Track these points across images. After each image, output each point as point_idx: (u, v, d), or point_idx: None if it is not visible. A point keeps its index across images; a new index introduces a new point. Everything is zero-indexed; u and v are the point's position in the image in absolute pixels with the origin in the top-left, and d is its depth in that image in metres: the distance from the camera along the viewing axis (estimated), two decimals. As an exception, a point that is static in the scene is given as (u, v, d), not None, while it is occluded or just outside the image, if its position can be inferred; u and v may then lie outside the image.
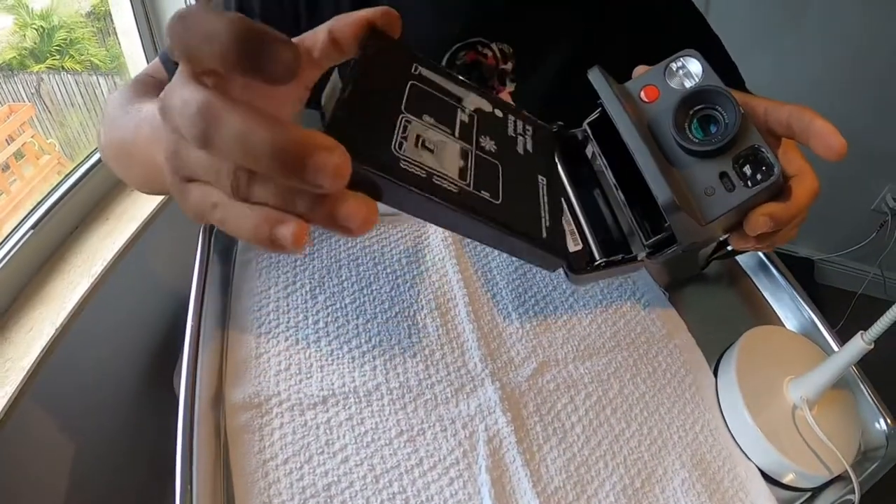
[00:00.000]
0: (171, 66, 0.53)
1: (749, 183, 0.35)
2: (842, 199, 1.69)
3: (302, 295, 0.49)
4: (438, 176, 0.27)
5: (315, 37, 0.27)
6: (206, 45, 0.20)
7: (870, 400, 0.51)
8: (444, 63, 0.57)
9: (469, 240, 0.55)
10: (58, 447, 0.87)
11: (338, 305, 0.49)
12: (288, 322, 0.47)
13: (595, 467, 0.43)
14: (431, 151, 0.28)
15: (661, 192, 0.35)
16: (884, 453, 0.49)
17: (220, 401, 0.43)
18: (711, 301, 0.59)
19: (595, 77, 0.38)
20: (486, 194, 0.29)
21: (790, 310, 0.58)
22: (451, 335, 0.48)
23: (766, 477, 0.46)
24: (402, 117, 0.28)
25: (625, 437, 0.45)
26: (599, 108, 0.40)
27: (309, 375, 0.45)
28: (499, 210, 0.29)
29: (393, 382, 0.44)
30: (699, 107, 0.36)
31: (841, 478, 0.46)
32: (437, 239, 0.54)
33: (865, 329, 0.44)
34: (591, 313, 0.52)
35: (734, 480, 0.45)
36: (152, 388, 1.05)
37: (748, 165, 0.35)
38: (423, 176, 0.26)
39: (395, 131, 0.27)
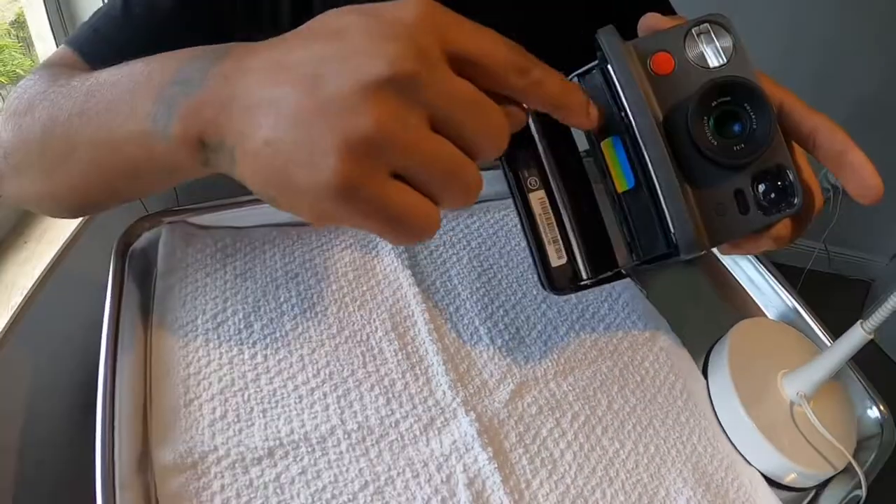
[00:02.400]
0: (88, 53, 0.44)
1: (766, 210, 0.30)
2: None
3: (235, 324, 0.42)
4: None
5: None
6: None
7: (862, 387, 0.48)
8: None
9: (425, 247, 0.49)
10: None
11: (278, 334, 0.42)
12: (220, 359, 0.40)
13: (591, 498, 0.37)
14: None
15: (682, 228, 0.30)
16: (879, 442, 0.46)
17: (148, 462, 0.35)
18: (688, 295, 0.55)
19: (608, 38, 0.31)
20: None
21: (770, 297, 0.54)
22: (413, 360, 0.42)
23: (769, 481, 0.42)
24: None
25: (620, 458, 0.40)
26: (596, 65, 0.33)
27: (250, 423, 0.37)
28: None
29: (350, 424, 0.38)
30: (724, 99, 0.30)
31: (843, 472, 0.43)
32: (386, 248, 0.48)
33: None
34: (567, 320, 0.47)
35: (739, 491, 0.41)
36: (83, 433, 0.94)
37: (767, 186, 0.30)
38: None
39: None
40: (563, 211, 0.35)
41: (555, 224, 0.35)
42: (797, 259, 1.96)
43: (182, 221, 0.46)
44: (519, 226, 0.36)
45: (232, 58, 0.26)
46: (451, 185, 0.24)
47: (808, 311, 0.52)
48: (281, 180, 0.24)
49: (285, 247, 0.47)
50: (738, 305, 0.54)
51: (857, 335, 0.40)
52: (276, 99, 0.23)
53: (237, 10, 0.47)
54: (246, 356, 0.40)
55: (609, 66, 0.31)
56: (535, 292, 0.48)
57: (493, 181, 0.56)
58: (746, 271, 0.56)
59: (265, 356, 0.40)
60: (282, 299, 0.44)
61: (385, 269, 0.47)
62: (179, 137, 0.27)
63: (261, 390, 0.38)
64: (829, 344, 0.49)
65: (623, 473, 0.39)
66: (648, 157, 0.31)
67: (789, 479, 0.42)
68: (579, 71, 0.34)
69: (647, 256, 0.34)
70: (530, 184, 0.36)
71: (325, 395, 0.39)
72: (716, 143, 0.30)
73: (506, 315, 0.46)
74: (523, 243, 0.52)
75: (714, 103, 0.30)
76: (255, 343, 0.41)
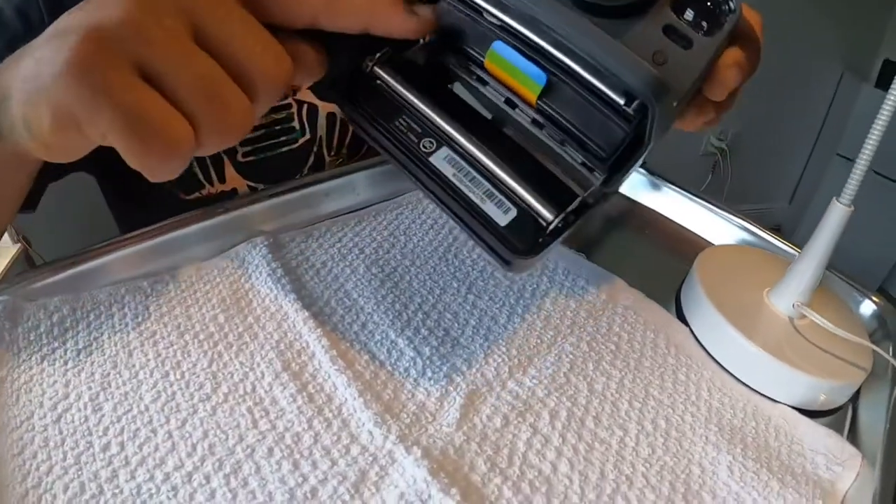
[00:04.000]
0: None
1: (709, 29, 0.24)
2: (672, 153, 1.76)
3: (79, 410, 0.28)
4: None
5: None
6: None
7: (847, 285, 0.42)
8: None
9: (310, 265, 0.38)
10: None
11: (135, 411, 0.28)
12: (65, 460, 0.26)
13: (613, 512, 0.26)
14: None
15: (635, 69, 0.23)
16: (886, 333, 0.40)
17: None
18: (632, 252, 0.47)
19: None
20: None
21: (716, 228, 0.48)
22: (318, 402, 0.29)
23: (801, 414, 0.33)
24: None
25: (629, 448, 0.29)
26: None
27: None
28: None
29: (245, 518, 0.25)
30: None
31: (870, 377, 0.35)
32: (261, 276, 0.36)
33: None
34: (505, 306, 0.37)
35: (779, 434, 0.31)
36: None
37: (694, 11, 0.24)
38: None
39: None
40: (481, 159, 0.27)
41: (480, 178, 0.26)
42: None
43: (7, 297, 0.33)
44: (438, 207, 0.27)
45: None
46: (207, 102, 0.22)
47: (760, 227, 0.46)
48: (35, 84, 0.22)
49: (137, 303, 0.34)
50: (688, 248, 0.46)
51: (837, 213, 0.34)
52: (44, 39, 0.23)
53: None
54: (96, 449, 0.27)
55: None
56: (455, 285, 0.38)
57: (377, 184, 0.47)
58: (683, 210, 0.49)
59: (121, 444, 0.27)
60: (137, 367, 0.30)
61: (263, 301, 0.35)
62: None
63: (120, 491, 0.25)
64: (796, 254, 0.43)
65: (641, 466, 0.28)
66: (551, 25, 0.24)
67: (821, 401, 0.33)
68: None
69: (613, 150, 0.26)
70: (424, 146, 0.27)
71: (206, 478, 0.26)
72: None
73: (427, 318, 0.35)
74: (427, 238, 0.42)
75: None
76: (106, 430, 0.27)
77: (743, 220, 0.46)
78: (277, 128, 0.54)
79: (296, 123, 0.54)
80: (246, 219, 0.40)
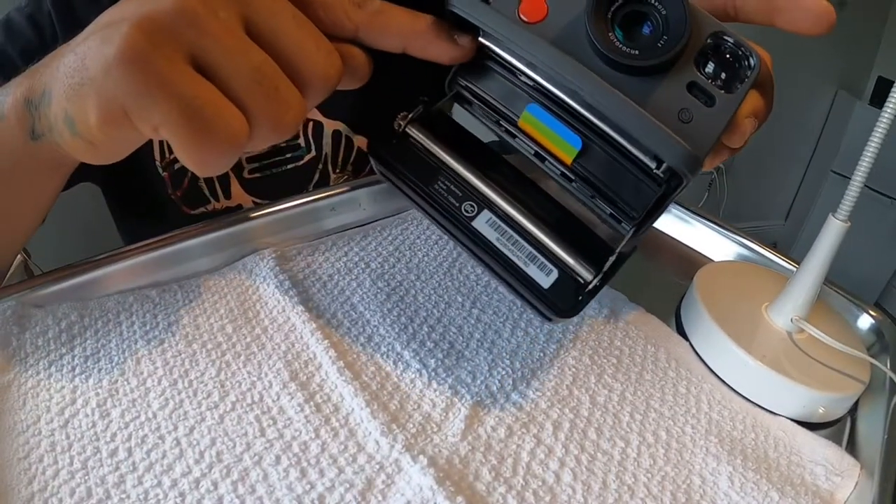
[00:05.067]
0: None
1: (730, 86, 0.25)
2: None
3: (87, 416, 0.29)
4: None
5: None
6: None
7: (844, 299, 0.42)
8: None
9: (317, 278, 0.39)
10: None
11: (143, 418, 0.29)
12: (71, 465, 0.26)
13: (615, 522, 0.27)
14: None
15: (664, 142, 0.24)
16: (883, 346, 0.40)
17: None
18: (631, 267, 0.47)
19: (464, 3, 0.25)
20: None
21: (715, 245, 0.48)
22: (326, 411, 0.30)
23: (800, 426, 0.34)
24: None
25: (631, 459, 0.30)
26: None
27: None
28: None
29: (253, 527, 0.25)
30: (617, 4, 0.24)
31: (867, 390, 0.35)
32: (269, 287, 0.37)
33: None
34: (509, 318, 0.38)
35: (778, 446, 0.32)
36: None
37: (714, 62, 0.25)
38: None
39: None
40: (522, 222, 0.28)
41: (522, 241, 0.28)
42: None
43: (15, 302, 0.33)
44: (483, 269, 0.29)
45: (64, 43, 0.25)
46: (263, 95, 0.21)
47: (757, 243, 0.47)
48: (80, 77, 0.21)
49: (145, 312, 0.35)
50: (687, 264, 0.47)
51: (834, 228, 0.34)
52: (86, 35, 0.23)
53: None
54: (104, 455, 0.27)
55: (482, 38, 0.27)
56: (459, 299, 0.39)
57: (381, 200, 0.47)
58: (682, 228, 0.50)
59: (129, 450, 0.27)
60: (145, 374, 0.31)
61: (271, 312, 0.35)
62: (10, 107, 0.26)
63: (128, 497, 0.25)
64: (794, 269, 0.43)
65: (642, 475, 0.29)
66: (584, 93, 0.25)
67: (820, 413, 0.34)
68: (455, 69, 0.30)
69: (643, 209, 0.27)
70: (466, 211, 0.28)
71: (214, 484, 0.26)
72: (635, 50, 0.24)
73: (432, 331, 0.36)
74: (432, 253, 0.43)
75: (609, 13, 0.24)
76: (114, 436, 0.28)
77: (741, 236, 0.47)
78: (283, 145, 0.55)
79: (301, 141, 0.55)
80: (252, 231, 0.41)
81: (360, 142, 0.57)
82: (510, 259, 0.28)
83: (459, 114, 0.33)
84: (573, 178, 0.28)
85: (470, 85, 0.29)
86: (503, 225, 0.28)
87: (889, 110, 0.30)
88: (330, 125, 0.55)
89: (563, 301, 0.27)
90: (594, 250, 0.29)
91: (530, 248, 0.28)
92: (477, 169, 0.29)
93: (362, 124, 0.56)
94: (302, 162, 0.56)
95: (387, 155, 0.29)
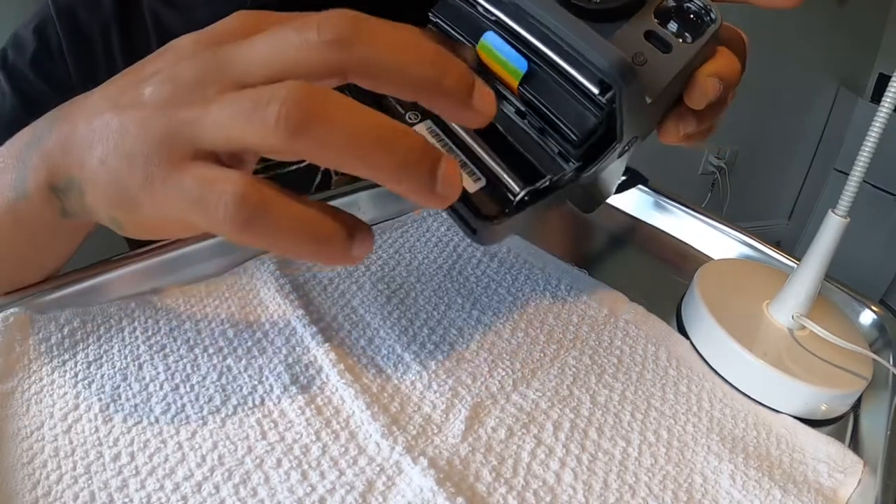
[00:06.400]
0: None
1: (687, 37, 0.26)
2: (671, 172, 1.78)
3: (90, 421, 0.29)
4: None
5: None
6: None
7: (846, 295, 0.42)
8: None
9: (317, 282, 0.39)
10: None
11: (145, 423, 0.29)
12: (74, 469, 0.26)
13: (617, 522, 0.27)
14: None
15: (604, 54, 0.24)
16: (886, 342, 0.40)
17: None
18: (631, 268, 0.47)
19: None
20: None
21: (715, 242, 0.48)
22: (326, 414, 0.30)
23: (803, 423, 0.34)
24: None
25: (632, 458, 0.30)
26: None
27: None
28: None
29: (255, 530, 0.25)
30: None
31: (870, 387, 0.35)
32: (269, 291, 0.37)
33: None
34: (509, 319, 0.38)
35: (780, 443, 0.32)
36: None
37: (675, 19, 0.26)
38: None
39: None
40: (461, 134, 0.29)
41: (455, 149, 0.28)
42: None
43: (18, 309, 0.34)
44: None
45: (75, 103, 0.26)
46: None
47: (758, 241, 0.47)
48: (119, 193, 0.22)
49: (147, 318, 0.35)
50: (688, 263, 0.47)
51: (833, 224, 0.34)
52: (108, 120, 0.23)
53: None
54: (107, 459, 0.27)
55: None
56: (460, 301, 0.39)
57: (381, 204, 0.48)
58: (683, 226, 0.50)
59: (131, 454, 0.27)
60: (147, 379, 0.31)
61: (272, 316, 0.35)
62: (34, 190, 0.27)
63: (131, 501, 0.25)
64: (794, 266, 0.43)
65: (644, 476, 0.29)
66: (536, 17, 0.25)
67: (823, 410, 0.34)
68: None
69: (585, 133, 0.27)
70: (409, 118, 0.29)
71: (216, 487, 0.26)
72: None
73: (432, 333, 0.36)
74: (432, 256, 0.43)
75: None
76: (116, 440, 0.28)
77: (742, 234, 0.47)
78: None
79: None
80: (253, 237, 0.41)
81: None
82: None
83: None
84: (524, 110, 0.28)
85: (440, 21, 0.30)
86: (441, 133, 0.29)
87: (887, 105, 0.30)
88: None
89: (487, 208, 0.27)
90: (529, 172, 0.28)
91: (462, 156, 0.28)
92: None
93: None
94: (303, 164, 0.56)
95: None
